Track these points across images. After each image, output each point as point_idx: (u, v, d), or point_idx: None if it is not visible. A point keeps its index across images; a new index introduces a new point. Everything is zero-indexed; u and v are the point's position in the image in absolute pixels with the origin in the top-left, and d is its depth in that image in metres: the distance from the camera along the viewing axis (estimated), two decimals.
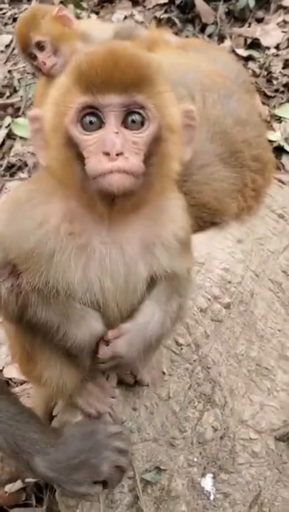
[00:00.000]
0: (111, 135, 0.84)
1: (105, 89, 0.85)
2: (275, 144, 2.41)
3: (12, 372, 1.78)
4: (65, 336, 1.04)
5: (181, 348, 1.35)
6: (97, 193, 0.88)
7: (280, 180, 2.01)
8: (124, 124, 0.87)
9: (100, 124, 0.87)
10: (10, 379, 1.79)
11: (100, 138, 0.85)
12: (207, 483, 1.30)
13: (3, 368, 1.82)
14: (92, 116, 0.87)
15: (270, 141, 2.30)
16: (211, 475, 1.31)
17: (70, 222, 0.97)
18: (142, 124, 0.87)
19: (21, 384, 1.75)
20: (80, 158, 0.87)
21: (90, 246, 0.98)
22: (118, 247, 1.00)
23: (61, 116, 0.88)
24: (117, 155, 0.84)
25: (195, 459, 1.30)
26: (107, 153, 0.84)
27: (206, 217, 1.55)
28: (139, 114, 0.87)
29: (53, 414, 1.36)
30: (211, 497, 1.29)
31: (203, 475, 1.30)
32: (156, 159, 0.90)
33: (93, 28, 2.26)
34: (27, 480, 1.55)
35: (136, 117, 0.87)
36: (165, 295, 1.07)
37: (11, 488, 1.55)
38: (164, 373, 1.31)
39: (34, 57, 2.16)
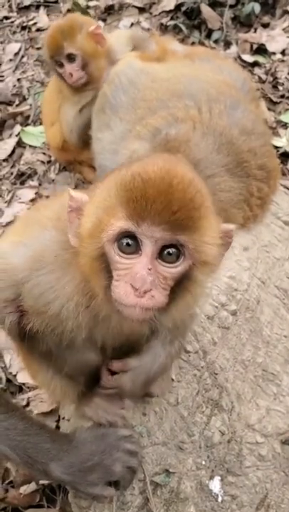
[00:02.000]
0: (143, 272, 0.83)
1: (151, 222, 0.82)
2: (280, 150, 2.44)
3: (25, 377, 1.82)
4: (63, 362, 1.10)
5: (189, 355, 1.39)
6: (117, 312, 0.89)
7: (285, 187, 2.04)
8: (160, 254, 0.85)
9: (136, 249, 0.85)
10: (23, 384, 1.84)
11: (133, 269, 0.84)
12: (215, 485, 1.33)
13: (17, 373, 1.86)
14: (130, 239, 0.85)
15: (276, 147, 2.32)
16: (219, 477, 1.34)
17: (89, 297, 0.97)
18: (178, 257, 0.86)
19: (34, 389, 1.80)
20: (109, 273, 0.87)
21: (101, 316, 1.00)
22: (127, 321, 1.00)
23: (100, 231, 0.85)
24: (145, 292, 0.83)
25: (203, 462, 1.34)
26: (135, 288, 0.83)
27: None
28: (177, 248, 0.85)
29: (66, 418, 1.41)
30: (219, 499, 1.33)
31: (211, 477, 1.33)
32: (182, 291, 0.89)
33: (115, 42, 2.28)
34: (41, 482, 1.60)
35: (172, 251, 0.85)
36: (170, 337, 1.12)
37: (25, 489, 1.60)
38: (172, 380, 1.35)
39: (61, 65, 2.18)
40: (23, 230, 1.07)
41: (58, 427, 1.64)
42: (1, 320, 1.06)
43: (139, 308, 0.84)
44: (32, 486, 1.61)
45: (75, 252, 0.93)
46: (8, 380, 1.87)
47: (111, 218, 0.84)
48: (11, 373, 1.87)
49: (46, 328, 1.02)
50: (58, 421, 1.68)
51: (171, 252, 0.85)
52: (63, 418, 1.48)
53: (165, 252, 0.85)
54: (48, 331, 1.02)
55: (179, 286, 0.88)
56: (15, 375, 1.87)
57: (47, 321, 1.01)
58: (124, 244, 0.85)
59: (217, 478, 1.34)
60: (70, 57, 2.14)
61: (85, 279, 0.94)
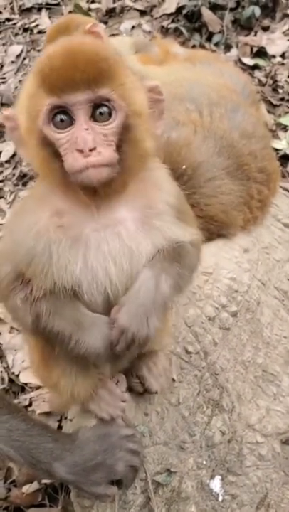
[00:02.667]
0: (82, 132, 0.89)
1: (69, 88, 0.89)
2: (280, 153, 2.46)
3: (28, 377, 1.84)
4: (78, 343, 1.05)
5: (190, 356, 1.40)
6: (79, 185, 0.94)
7: (285, 189, 2.06)
8: (93, 117, 0.91)
9: (71, 120, 0.91)
10: (26, 384, 1.85)
11: (72, 135, 0.90)
12: (216, 485, 1.35)
13: (20, 372, 1.88)
14: (62, 115, 0.91)
15: (276, 150, 2.34)
16: (220, 477, 1.36)
17: (58, 217, 1.01)
18: (110, 115, 0.91)
19: (37, 389, 1.82)
20: (57, 155, 0.92)
21: (83, 235, 1.00)
22: (112, 230, 1.02)
23: (33, 118, 0.92)
24: (90, 150, 0.89)
25: (204, 462, 1.35)
26: (80, 150, 0.89)
27: (212, 229, 1.61)
28: (106, 106, 0.91)
29: (69, 418, 1.43)
30: (220, 498, 1.34)
31: (211, 477, 1.35)
32: (128, 145, 0.94)
33: (118, 46, 2.28)
34: (43, 481, 1.61)
35: (103, 109, 0.91)
36: (160, 260, 1.05)
37: (28, 488, 1.61)
38: (173, 380, 1.36)
39: None
40: None
41: (60, 427, 1.65)
42: (14, 302, 1.06)
43: (91, 167, 0.89)
44: (34, 486, 1.62)
45: (37, 187, 1.01)
46: (11, 380, 1.89)
47: (36, 102, 0.91)
48: (13, 373, 1.89)
49: (46, 281, 1.00)
50: (60, 420, 1.70)
51: (101, 111, 0.91)
52: (66, 418, 1.50)
53: (97, 112, 0.91)
54: (51, 287, 1.01)
55: (124, 142, 0.93)
56: (17, 375, 1.88)
57: (41, 273, 1.00)
58: (58, 120, 0.91)
59: (218, 478, 1.36)
60: None
61: (48, 188, 1.00)
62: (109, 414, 1.25)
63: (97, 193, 0.96)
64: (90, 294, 1.04)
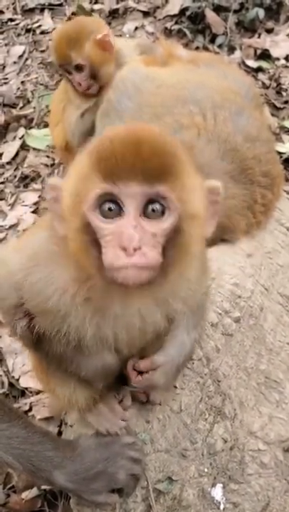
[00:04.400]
0: (129, 229, 0.81)
1: (126, 177, 0.81)
2: (284, 156, 2.44)
3: (28, 381, 1.83)
4: (78, 367, 1.09)
5: (193, 362, 1.39)
6: (113, 280, 0.85)
7: None
8: (144, 212, 0.84)
9: (120, 211, 0.83)
10: (26, 388, 1.84)
11: (118, 229, 0.82)
12: (217, 493, 1.33)
13: (20, 377, 1.87)
14: (111, 203, 0.83)
15: (279, 153, 2.33)
16: (221, 485, 1.34)
17: (87, 288, 0.97)
18: (163, 213, 0.84)
19: (37, 393, 1.80)
20: (97, 244, 0.84)
21: (102, 309, 0.99)
22: (134, 309, 1.01)
23: (80, 200, 0.85)
24: (135, 250, 0.81)
25: (205, 470, 1.34)
26: (124, 248, 0.81)
27: (215, 234, 1.56)
28: (160, 203, 0.83)
29: (69, 424, 1.42)
30: (221, 507, 1.33)
31: (213, 485, 1.33)
32: (175, 248, 0.86)
33: (122, 47, 2.24)
34: (43, 487, 1.60)
35: (156, 207, 0.83)
36: (192, 323, 1.11)
37: (27, 495, 1.60)
38: (175, 387, 1.35)
39: (69, 73, 2.15)
40: (24, 236, 1.10)
41: (60, 433, 1.64)
42: (13, 327, 1.07)
43: (131, 267, 0.81)
44: (34, 492, 1.61)
45: (66, 243, 0.92)
46: (11, 385, 1.87)
47: (87, 185, 0.83)
48: (13, 377, 1.88)
49: (53, 329, 1.01)
50: (60, 426, 1.68)
51: (154, 208, 0.83)
52: (66, 424, 1.48)
53: (149, 208, 0.83)
54: (55, 333, 1.02)
55: (172, 244, 0.85)
56: (17, 380, 1.87)
57: (50, 320, 1.00)
58: (106, 209, 0.83)
59: (219, 486, 1.35)
60: (79, 67, 2.10)
61: (79, 267, 0.93)
62: (107, 430, 1.25)
63: (128, 288, 0.88)
64: (94, 347, 1.07)
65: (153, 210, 0.83)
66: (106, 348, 1.08)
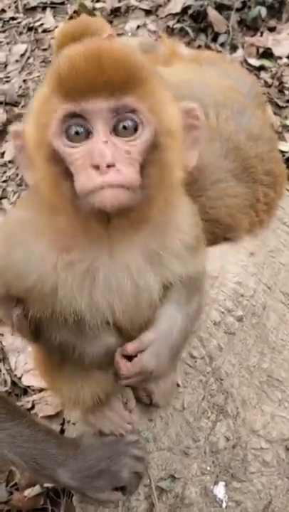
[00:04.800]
0: (99, 145, 0.74)
1: (89, 93, 0.74)
2: (286, 155, 2.44)
3: (30, 380, 1.83)
4: (81, 354, 1.02)
5: (195, 361, 1.39)
6: (90, 212, 0.77)
7: None
8: (115, 131, 0.76)
9: (88, 134, 0.76)
10: (28, 386, 1.85)
11: (88, 149, 0.74)
12: (219, 491, 1.34)
13: (22, 375, 1.87)
14: (77, 126, 0.76)
15: (282, 152, 2.32)
16: (224, 483, 1.35)
17: (67, 252, 0.90)
18: (136, 129, 0.77)
19: (40, 391, 1.81)
20: (68, 174, 0.77)
21: (92, 270, 0.91)
22: (123, 266, 0.93)
23: (44, 128, 0.77)
24: (108, 167, 0.73)
25: (208, 468, 1.34)
26: (96, 167, 0.73)
27: (218, 233, 1.59)
28: (131, 119, 0.76)
29: (72, 422, 1.42)
30: (224, 505, 1.33)
31: (215, 483, 1.34)
32: (154, 169, 0.79)
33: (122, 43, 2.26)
34: (45, 485, 1.61)
35: (127, 123, 0.76)
36: (184, 296, 1.02)
37: (30, 492, 1.60)
38: (178, 385, 1.35)
39: None
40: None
41: (62, 430, 1.64)
42: (10, 318, 1.01)
43: (107, 187, 0.73)
44: (36, 489, 1.61)
45: (37, 209, 0.87)
46: (14, 383, 1.88)
47: (49, 109, 0.76)
48: (16, 376, 1.88)
49: (46, 309, 0.95)
50: (62, 424, 1.69)
51: (126, 125, 0.76)
52: (68, 421, 1.49)
53: (120, 126, 0.76)
54: (50, 314, 0.95)
55: (150, 163, 0.78)
56: (20, 378, 1.87)
57: (41, 300, 0.94)
58: (73, 132, 0.76)
59: (222, 484, 1.35)
60: None
61: (53, 211, 0.86)
62: (111, 431, 1.24)
63: (110, 223, 0.81)
64: (91, 323, 0.98)
65: (124, 128, 0.76)
66: (105, 327, 0.99)
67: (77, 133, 0.76)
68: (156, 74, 0.83)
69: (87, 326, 0.98)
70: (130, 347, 0.99)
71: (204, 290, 1.12)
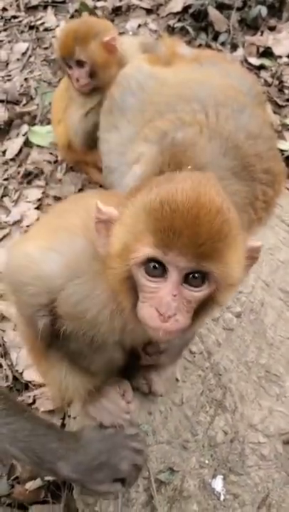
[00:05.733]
0: (168, 298, 0.85)
1: (178, 252, 0.83)
2: (286, 154, 2.46)
3: (31, 375, 1.85)
4: (86, 360, 1.14)
5: (194, 356, 1.41)
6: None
7: None
8: (185, 279, 0.86)
9: (163, 273, 0.86)
10: (29, 382, 1.86)
11: (158, 293, 0.86)
12: (218, 484, 1.35)
13: (23, 370, 1.89)
14: (157, 263, 0.86)
15: (281, 151, 2.34)
16: (222, 476, 1.37)
17: (121, 305, 0.99)
18: (202, 281, 0.87)
19: (40, 387, 1.82)
20: (135, 292, 0.89)
21: (135, 325, 1.01)
22: None
23: (128, 253, 0.87)
24: (169, 317, 0.85)
25: (206, 461, 1.36)
26: (160, 313, 0.85)
27: None
28: (202, 275, 0.86)
29: (72, 416, 1.44)
30: (221, 497, 1.35)
31: (214, 476, 1.36)
32: (206, 311, 0.91)
33: (125, 47, 2.23)
34: (46, 478, 1.63)
35: (198, 276, 0.86)
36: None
37: (31, 485, 1.62)
38: (177, 380, 1.37)
39: (70, 67, 2.16)
40: (50, 236, 1.06)
41: (63, 425, 1.66)
42: (34, 322, 1.08)
43: (163, 331, 0.86)
44: (37, 482, 1.63)
45: (105, 262, 0.95)
46: (15, 378, 1.90)
47: (139, 244, 0.85)
48: (17, 371, 1.90)
49: (79, 331, 1.04)
50: (63, 419, 1.71)
51: (196, 276, 0.86)
52: (69, 416, 1.51)
53: (190, 276, 0.86)
54: (80, 334, 1.05)
55: (202, 307, 0.90)
56: (21, 373, 1.89)
57: (81, 325, 1.03)
58: (151, 267, 0.86)
59: (220, 477, 1.37)
60: (80, 63, 2.11)
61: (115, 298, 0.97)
62: (111, 423, 1.28)
63: None
64: (110, 345, 1.12)
65: (194, 278, 0.86)
66: (120, 348, 1.14)
67: (154, 267, 0.87)
68: (239, 234, 0.88)
69: (103, 345, 1.09)
70: (150, 350, 1.21)
71: None
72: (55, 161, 2.79)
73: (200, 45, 3.18)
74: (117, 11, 3.58)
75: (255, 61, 3.03)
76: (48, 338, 1.10)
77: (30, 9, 3.77)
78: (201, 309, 0.90)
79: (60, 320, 1.05)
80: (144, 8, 3.53)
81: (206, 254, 0.83)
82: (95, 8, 3.58)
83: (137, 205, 0.88)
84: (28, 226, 2.44)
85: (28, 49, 3.50)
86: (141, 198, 0.88)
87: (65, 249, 1.04)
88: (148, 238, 0.84)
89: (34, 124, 2.99)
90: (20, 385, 1.89)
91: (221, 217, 0.83)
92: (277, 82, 2.91)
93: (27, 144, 2.88)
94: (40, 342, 1.12)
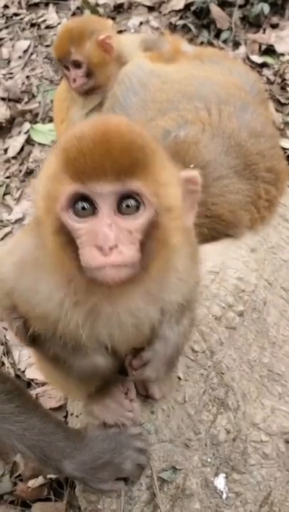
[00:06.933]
0: (104, 228, 0.79)
1: (96, 177, 0.79)
2: (288, 152, 2.45)
3: (34, 373, 1.86)
4: (70, 367, 1.11)
5: (197, 355, 1.41)
6: (93, 279, 0.83)
7: None
8: (119, 209, 0.82)
9: (93, 210, 0.81)
10: (32, 380, 1.87)
11: (93, 229, 0.80)
12: (220, 482, 1.36)
13: (26, 368, 1.89)
14: (84, 202, 0.81)
15: (284, 149, 2.33)
16: (224, 475, 1.37)
17: (74, 293, 0.96)
18: (138, 208, 0.82)
19: (43, 385, 1.83)
20: (74, 244, 0.83)
21: (95, 310, 0.99)
22: (124, 307, 1.00)
23: (52, 201, 0.83)
24: (111, 249, 0.79)
25: (209, 460, 1.36)
26: (100, 247, 0.79)
27: (219, 229, 1.61)
28: (134, 199, 0.81)
29: (75, 414, 1.44)
30: (224, 496, 1.35)
31: (216, 475, 1.36)
32: (153, 243, 0.84)
33: (124, 45, 2.23)
34: (49, 476, 1.63)
35: (130, 202, 0.81)
36: (176, 316, 1.12)
37: (33, 483, 1.63)
38: (179, 378, 1.37)
39: (67, 68, 2.16)
40: (15, 240, 1.09)
41: (66, 423, 1.66)
42: (10, 325, 1.10)
43: (109, 267, 0.80)
44: (40, 480, 1.64)
45: (47, 253, 0.91)
46: (17, 376, 1.90)
47: (57, 186, 0.81)
48: (19, 369, 1.91)
49: (47, 331, 1.03)
50: (66, 416, 1.71)
51: (129, 203, 0.81)
52: (72, 414, 1.51)
53: (123, 205, 0.81)
54: (50, 335, 1.03)
55: (149, 238, 0.83)
56: (23, 371, 1.90)
57: (44, 325, 1.01)
58: (80, 208, 0.81)
59: (222, 476, 1.37)
60: (76, 64, 2.11)
61: (59, 269, 0.91)
62: (114, 421, 1.27)
63: (112, 287, 0.87)
64: (89, 347, 1.07)
65: (127, 206, 0.82)
66: (101, 351, 1.09)
67: (83, 208, 0.82)
68: (162, 153, 0.87)
69: (82, 348, 1.06)
70: (134, 363, 1.16)
71: (195, 306, 1.24)
72: None
73: (202, 43, 3.18)
74: (118, 9, 3.58)
75: (257, 59, 3.02)
76: (28, 340, 1.08)
77: (32, 7, 3.77)
78: (149, 243, 0.83)
79: (30, 323, 1.03)
80: (146, 6, 3.53)
81: (125, 169, 0.79)
82: (97, 5, 3.58)
83: (49, 158, 0.86)
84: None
85: (29, 47, 3.49)
86: (52, 153, 0.87)
87: (15, 248, 1.04)
88: (64, 176, 0.81)
89: (36, 122, 2.99)
90: (23, 383, 1.89)
91: (131, 131, 0.82)
92: (279, 80, 2.91)
93: (29, 142, 2.89)
94: (27, 344, 1.12)
